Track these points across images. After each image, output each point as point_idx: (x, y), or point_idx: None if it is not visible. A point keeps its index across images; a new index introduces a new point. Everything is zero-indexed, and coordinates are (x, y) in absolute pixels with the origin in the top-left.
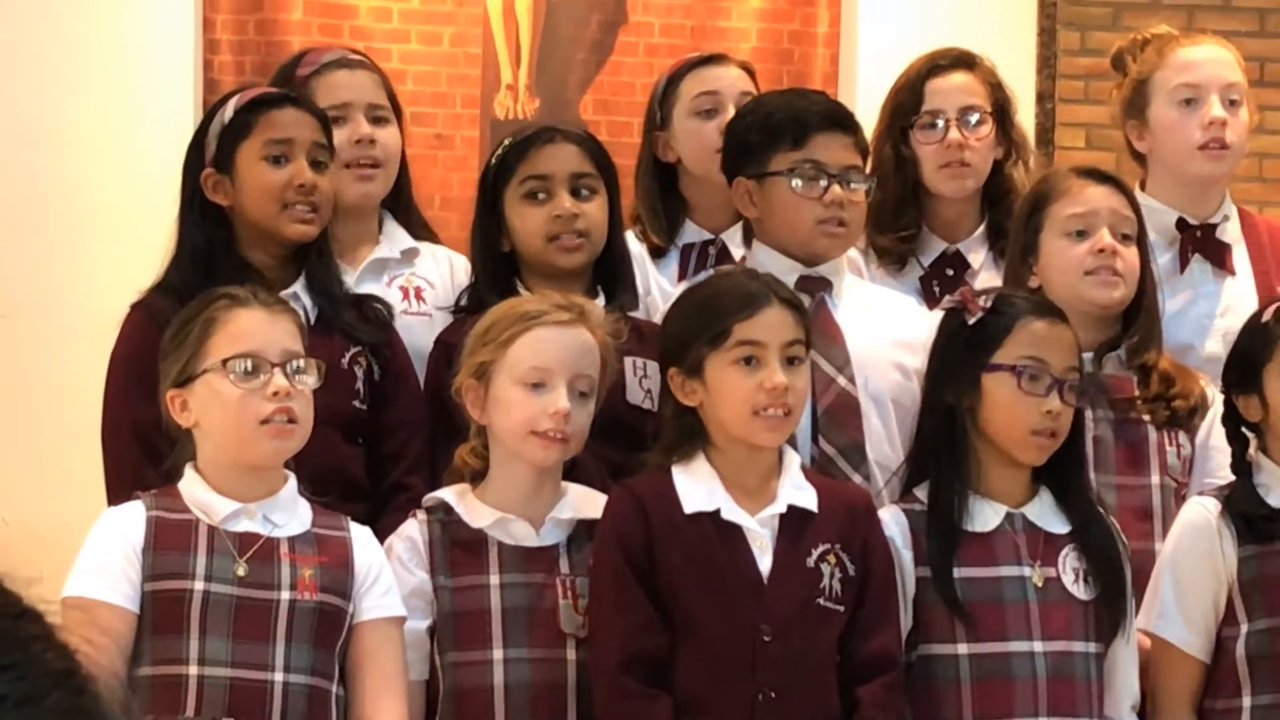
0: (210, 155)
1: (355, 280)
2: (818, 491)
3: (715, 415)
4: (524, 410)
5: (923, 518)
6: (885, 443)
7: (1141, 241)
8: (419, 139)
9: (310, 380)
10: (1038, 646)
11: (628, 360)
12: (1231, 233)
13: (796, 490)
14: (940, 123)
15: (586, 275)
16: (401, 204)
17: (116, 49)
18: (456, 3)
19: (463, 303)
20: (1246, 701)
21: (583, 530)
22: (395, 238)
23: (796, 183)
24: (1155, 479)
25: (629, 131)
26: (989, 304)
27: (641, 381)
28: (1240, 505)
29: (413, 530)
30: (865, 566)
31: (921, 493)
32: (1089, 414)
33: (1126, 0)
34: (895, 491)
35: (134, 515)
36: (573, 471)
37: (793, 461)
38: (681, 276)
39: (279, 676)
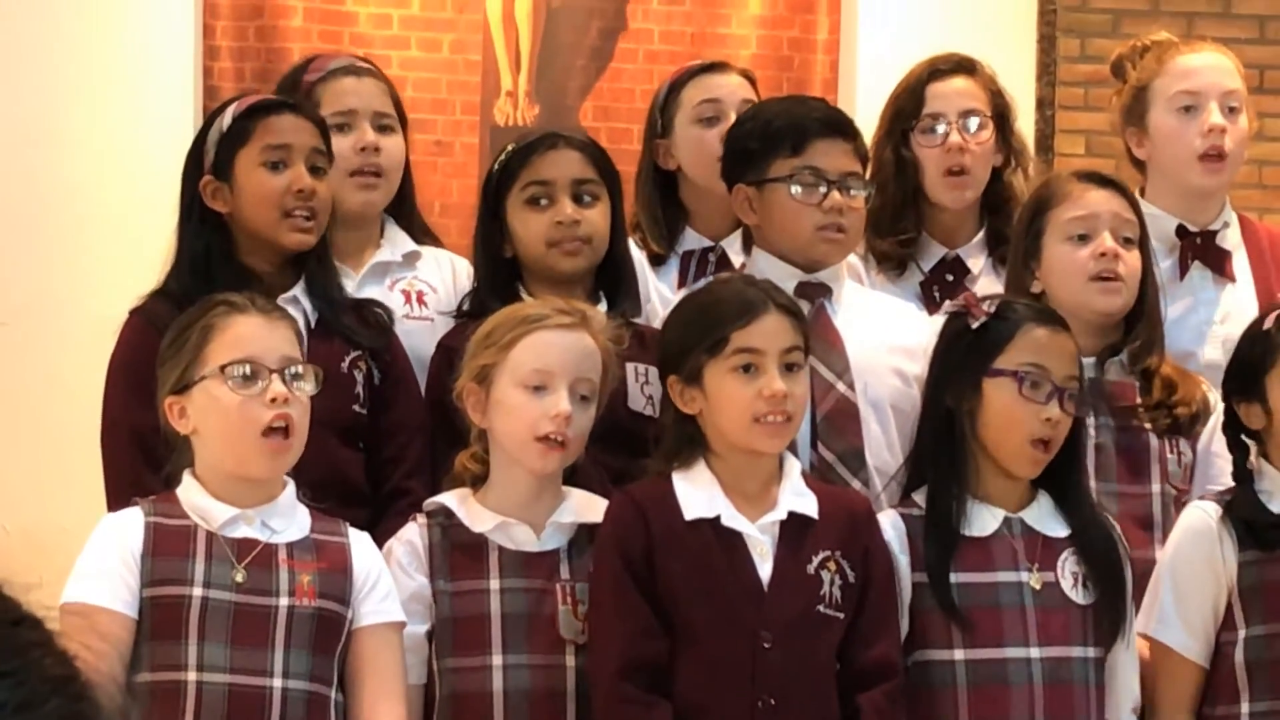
0: (209, 162)
1: (357, 284)
2: (818, 498)
3: (715, 423)
4: (525, 413)
5: (920, 523)
6: (884, 449)
7: (1143, 245)
8: (419, 145)
9: (308, 387)
10: (1034, 653)
11: (630, 366)
12: (1231, 239)
13: (797, 497)
14: (941, 126)
15: (589, 281)
16: (404, 210)
17: (117, 55)
18: (456, 9)
19: (465, 308)
20: (1245, 708)
21: (584, 535)
22: (397, 241)
23: (796, 189)
24: (1156, 487)
25: (629, 138)
26: (992, 309)
27: (643, 388)
28: (1242, 512)
29: (412, 534)
30: (866, 573)
31: (920, 497)
32: (1091, 421)
33: (1126, 7)
34: (894, 496)
35: (132, 521)
36: (574, 477)
37: (794, 468)
38: (681, 283)
39: (278, 683)
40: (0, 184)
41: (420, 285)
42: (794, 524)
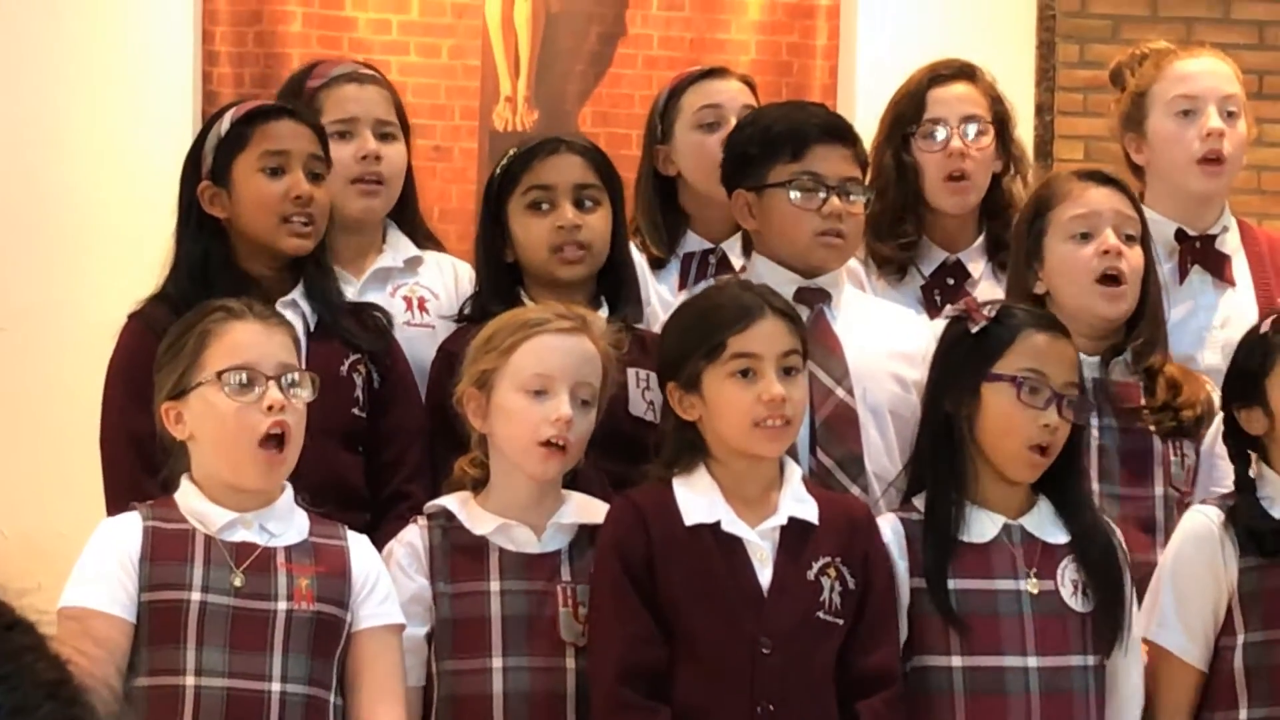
0: (207, 168)
1: (359, 290)
2: (819, 504)
3: (714, 428)
4: (526, 418)
5: (920, 527)
6: (884, 454)
7: (1144, 242)
8: (417, 151)
9: (305, 393)
10: (1032, 662)
11: (630, 372)
12: (1231, 244)
13: (797, 502)
14: (942, 132)
15: (590, 286)
16: (407, 216)
17: (116, 60)
18: (455, 15)
19: (466, 312)
20: (1243, 714)
21: (584, 537)
22: (399, 247)
23: (795, 194)
24: (1159, 490)
25: (628, 144)
26: (992, 314)
27: (644, 393)
28: (1244, 520)
29: (413, 536)
30: (865, 580)
31: (919, 502)
32: (1094, 422)
33: (1125, 12)
34: (893, 501)
35: (131, 526)
36: (575, 483)
37: (794, 473)
38: (682, 285)
39: (276, 687)
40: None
41: (422, 291)
42: (794, 530)
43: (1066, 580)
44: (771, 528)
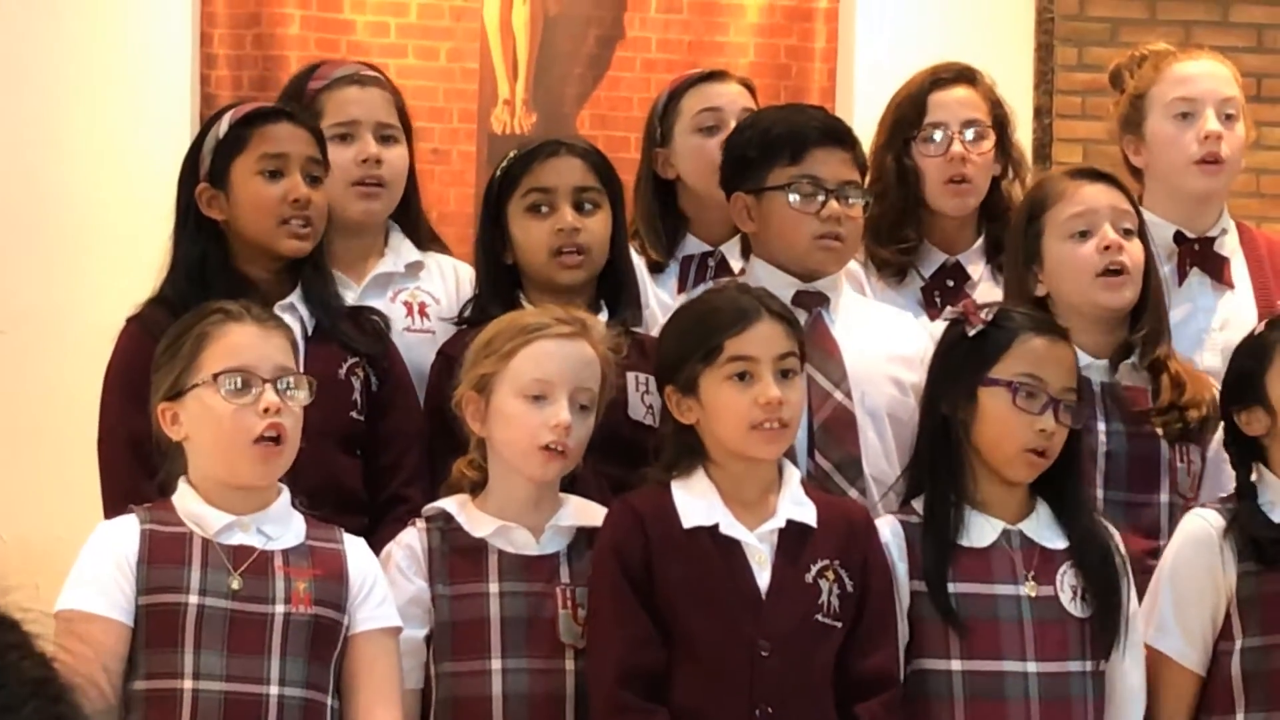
0: (205, 170)
1: (359, 295)
2: (817, 507)
3: (712, 431)
4: (525, 423)
5: (919, 530)
6: (882, 458)
7: (1142, 235)
8: (416, 154)
9: (301, 396)
10: (1031, 667)
11: (630, 375)
12: (1229, 246)
13: (796, 505)
14: (942, 135)
15: (590, 289)
16: (410, 217)
17: (115, 63)
18: (454, 17)
19: (465, 314)
20: (1240, 719)
21: (583, 539)
22: (401, 251)
23: (794, 198)
24: (1164, 497)
25: (626, 147)
26: (990, 317)
27: (644, 397)
28: (1245, 527)
29: (412, 538)
30: (864, 583)
31: (918, 505)
32: (1102, 427)
33: (1124, 16)
34: (892, 504)
35: (128, 529)
36: (574, 487)
37: (793, 476)
38: (681, 289)
39: (274, 690)
40: None
41: (422, 296)
42: (793, 533)
43: (1065, 585)
44: (770, 530)
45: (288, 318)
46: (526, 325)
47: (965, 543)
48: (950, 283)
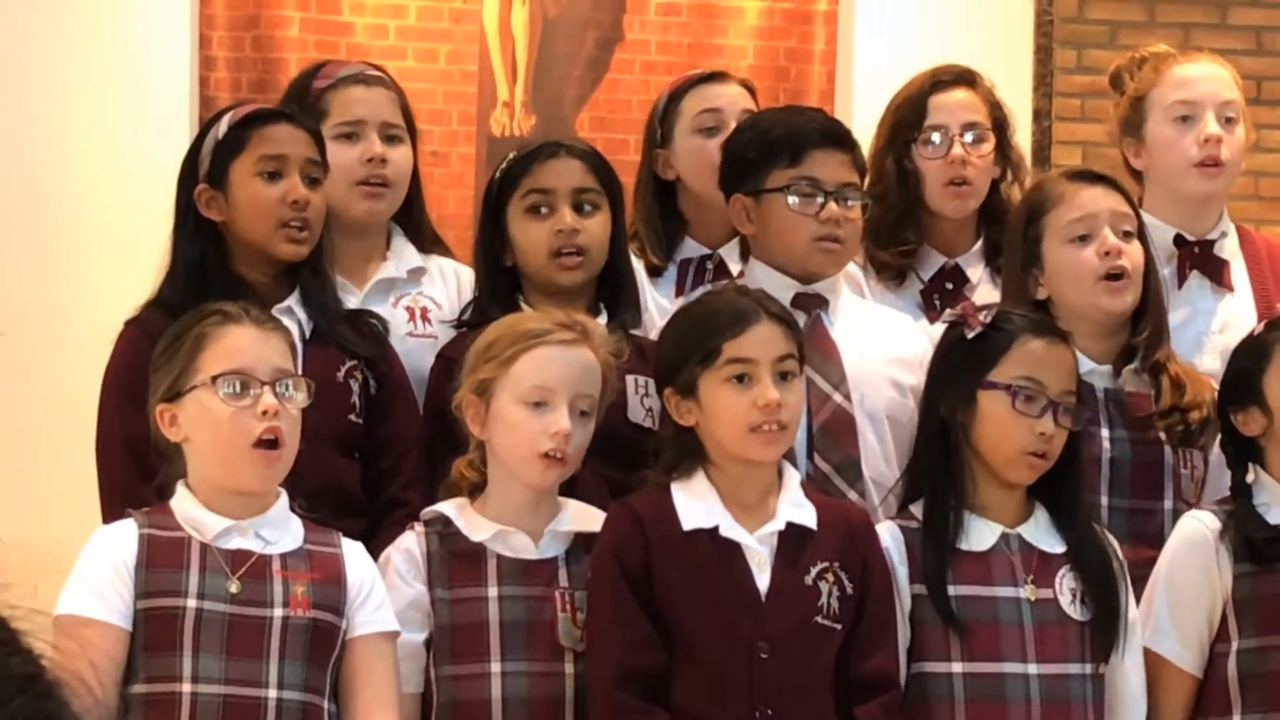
0: (204, 171)
1: (361, 301)
2: (817, 509)
3: (711, 433)
4: (525, 429)
5: (919, 534)
6: (881, 460)
7: (1142, 237)
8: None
9: (300, 398)
10: (1032, 669)
11: (629, 378)
12: (1229, 249)
13: (796, 508)
14: (942, 138)
15: (589, 292)
16: (413, 219)
17: (114, 65)
18: (453, 20)
19: (465, 317)
20: None
21: (581, 544)
22: (403, 255)
23: (793, 200)
24: (1168, 504)
25: (625, 149)
26: (989, 319)
27: (643, 400)
28: (1241, 528)
29: (410, 543)
30: (864, 585)
31: (918, 509)
32: (1106, 433)
33: (1123, 18)
34: (892, 508)
35: (126, 533)
36: (573, 489)
37: (793, 479)
38: (679, 292)
39: (272, 693)
40: None
41: (424, 301)
42: (792, 535)
43: (1064, 589)
44: (770, 533)
45: (286, 320)
46: (528, 331)
47: (965, 546)
48: (949, 285)
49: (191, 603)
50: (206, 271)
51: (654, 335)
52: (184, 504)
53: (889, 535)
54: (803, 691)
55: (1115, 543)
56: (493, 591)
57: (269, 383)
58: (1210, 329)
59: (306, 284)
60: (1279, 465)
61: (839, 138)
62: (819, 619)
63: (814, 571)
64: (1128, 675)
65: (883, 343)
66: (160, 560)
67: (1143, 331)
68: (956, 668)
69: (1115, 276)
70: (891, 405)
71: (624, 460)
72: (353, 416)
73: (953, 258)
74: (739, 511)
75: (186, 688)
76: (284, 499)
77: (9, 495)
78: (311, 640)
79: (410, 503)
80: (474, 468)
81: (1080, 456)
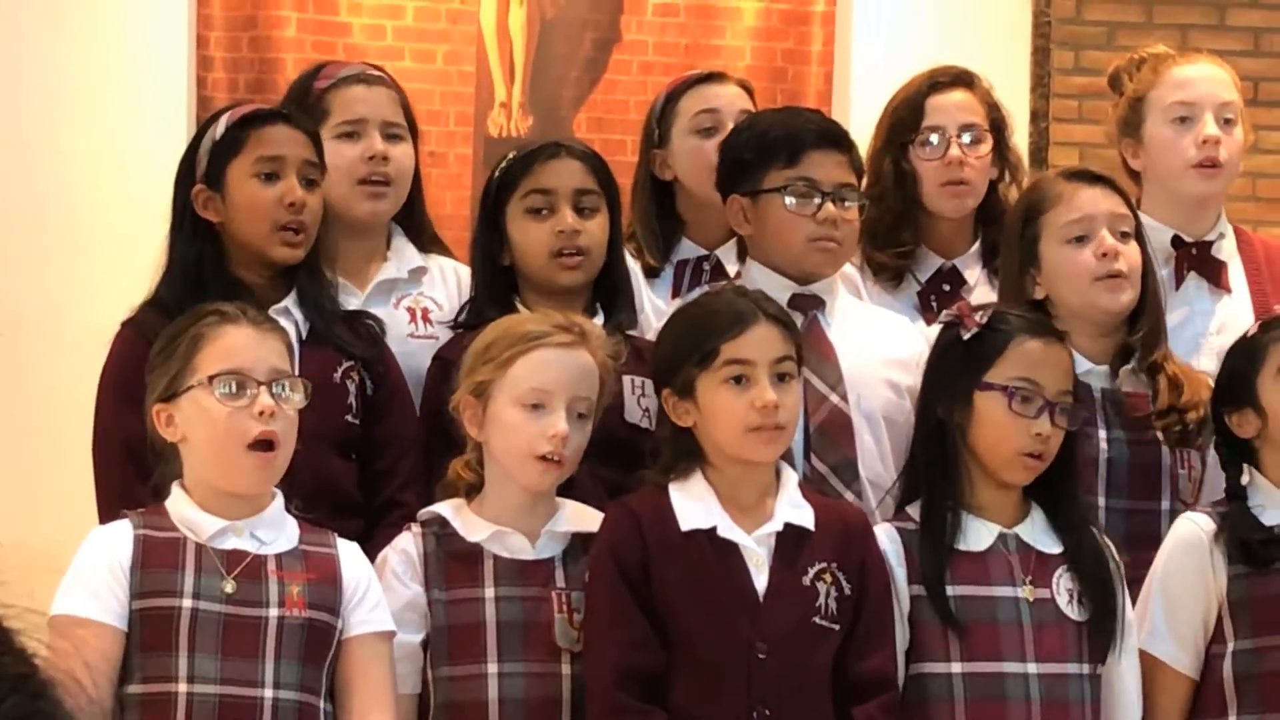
0: (201, 171)
1: (363, 302)
2: (815, 510)
3: (709, 434)
4: (522, 431)
5: (916, 535)
6: (878, 461)
7: (1139, 236)
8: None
9: (296, 399)
10: (1031, 668)
11: (626, 379)
12: (1227, 250)
13: (793, 508)
14: (939, 139)
15: (585, 293)
16: (414, 219)
17: (111, 65)
18: (450, 20)
19: (461, 318)
20: None
21: (578, 544)
22: (404, 256)
23: (790, 200)
24: (1165, 504)
25: (623, 150)
26: (985, 319)
27: (640, 400)
28: (1236, 530)
29: (407, 543)
30: (861, 585)
31: (915, 511)
32: (1103, 434)
33: (1121, 20)
34: (889, 509)
35: (121, 533)
36: (571, 490)
37: (790, 479)
38: (676, 293)
39: (268, 693)
40: None
41: (425, 302)
42: (790, 535)
43: (1062, 589)
44: (767, 533)
45: (283, 321)
46: (526, 333)
47: (962, 546)
48: (946, 287)
49: (187, 603)
50: (203, 272)
51: (650, 336)
52: (179, 505)
53: (886, 538)
54: (800, 692)
55: (1111, 545)
56: (489, 592)
57: (265, 383)
58: (1208, 330)
59: (303, 285)
60: (1273, 467)
61: (836, 138)
62: (817, 619)
63: (812, 572)
64: (1123, 677)
65: (879, 344)
66: (155, 560)
67: (1140, 331)
68: (956, 668)
69: (1112, 276)
70: (888, 406)
71: (621, 461)
72: (349, 417)
73: (950, 259)
74: (737, 512)
75: (182, 688)
76: (279, 500)
77: (6, 495)
78: (307, 640)
79: (407, 504)
80: (471, 469)
81: (1076, 457)
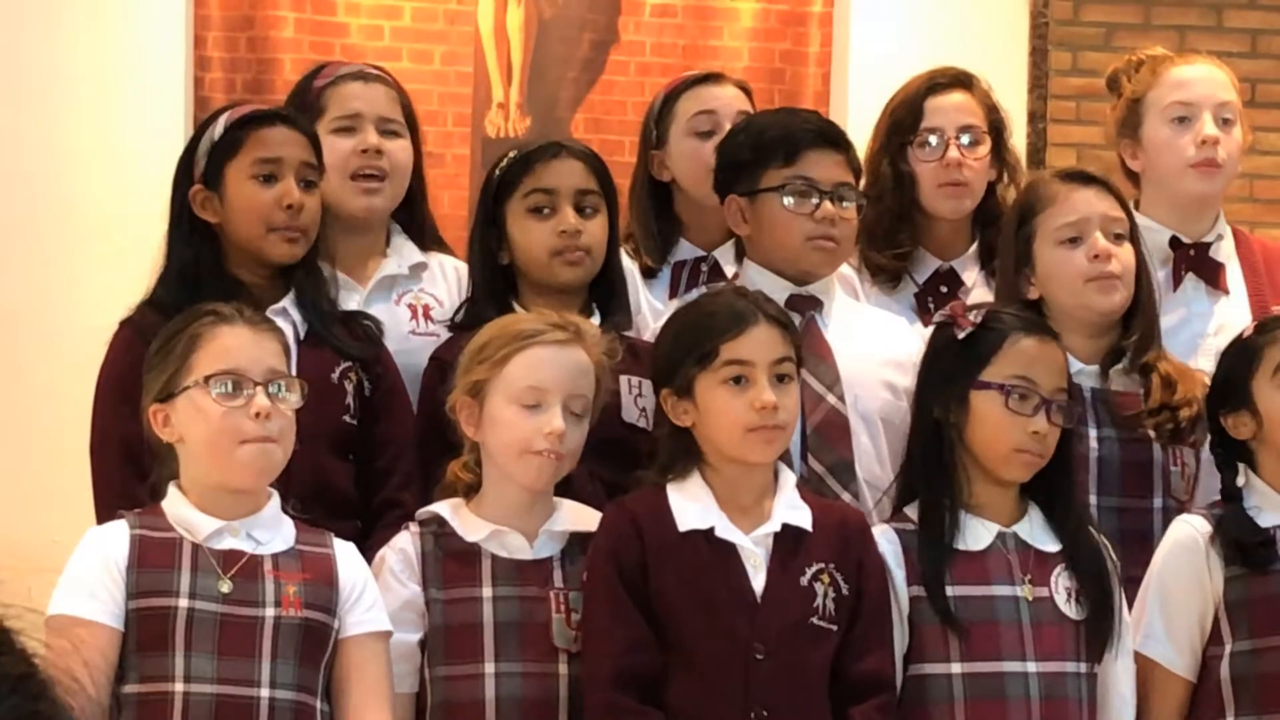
0: (199, 172)
1: (365, 298)
2: (812, 511)
3: (707, 435)
4: (518, 430)
5: (915, 536)
6: (875, 461)
7: (1133, 238)
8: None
9: (293, 400)
10: (1031, 667)
11: (623, 379)
12: (1225, 252)
13: (791, 509)
14: (938, 140)
15: (582, 293)
16: (415, 217)
17: (109, 65)
18: (448, 21)
19: (459, 319)
20: None
21: (576, 544)
22: (404, 252)
23: (788, 199)
24: (1158, 502)
25: (621, 150)
26: (979, 319)
27: (637, 400)
28: (1232, 532)
29: (405, 543)
30: (859, 586)
31: (912, 511)
32: (1094, 433)
33: (1118, 21)
34: (886, 510)
35: (117, 534)
36: (568, 490)
37: (788, 480)
38: (673, 294)
39: (265, 693)
40: None
41: (426, 299)
42: (788, 536)
43: (1060, 588)
44: (765, 534)
45: (280, 322)
46: (521, 331)
47: (961, 546)
48: (944, 289)
49: (183, 602)
50: (201, 272)
51: (648, 337)
52: (175, 505)
53: (885, 540)
54: (798, 692)
55: (1108, 543)
56: (487, 592)
57: (262, 383)
58: (1205, 331)
59: (301, 285)
60: (1269, 468)
61: (834, 138)
62: (814, 620)
63: (809, 573)
64: (1118, 678)
65: (876, 345)
66: (151, 560)
67: (1133, 333)
68: (955, 668)
69: (1104, 279)
70: (885, 407)
71: (618, 461)
72: (347, 418)
73: (948, 261)
74: (735, 513)
75: (179, 687)
76: (276, 500)
77: (3, 495)
78: (303, 640)
79: (405, 504)
80: (469, 469)
81: (1071, 454)
